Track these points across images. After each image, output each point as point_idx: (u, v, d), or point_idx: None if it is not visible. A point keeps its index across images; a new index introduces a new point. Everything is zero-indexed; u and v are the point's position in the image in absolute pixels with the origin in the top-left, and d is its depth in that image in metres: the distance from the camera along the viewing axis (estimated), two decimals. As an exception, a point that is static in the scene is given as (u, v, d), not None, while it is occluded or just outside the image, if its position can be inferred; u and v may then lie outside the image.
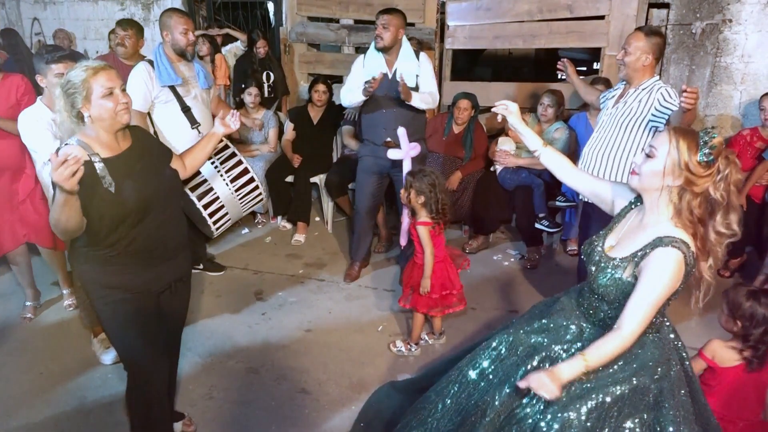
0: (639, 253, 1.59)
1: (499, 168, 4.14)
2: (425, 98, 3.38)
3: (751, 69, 4.11)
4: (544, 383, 1.48)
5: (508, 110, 2.00)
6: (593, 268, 1.72)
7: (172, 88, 3.20)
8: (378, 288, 3.68)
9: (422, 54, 3.52)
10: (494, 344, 1.84)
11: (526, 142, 2.01)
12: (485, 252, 4.21)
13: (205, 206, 3.03)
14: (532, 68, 8.88)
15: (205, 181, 3.03)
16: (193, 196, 2.99)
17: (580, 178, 1.95)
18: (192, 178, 2.84)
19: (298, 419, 2.52)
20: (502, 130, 4.33)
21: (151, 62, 3.17)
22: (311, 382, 2.75)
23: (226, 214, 3.13)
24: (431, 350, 3.02)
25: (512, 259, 4.11)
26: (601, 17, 4.41)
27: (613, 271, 1.64)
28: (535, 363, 1.72)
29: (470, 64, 8.54)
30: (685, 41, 4.22)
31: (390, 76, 3.38)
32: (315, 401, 2.63)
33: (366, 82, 3.25)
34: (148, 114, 3.21)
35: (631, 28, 4.04)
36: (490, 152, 4.22)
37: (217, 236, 3.34)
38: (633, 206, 1.76)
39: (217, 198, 3.06)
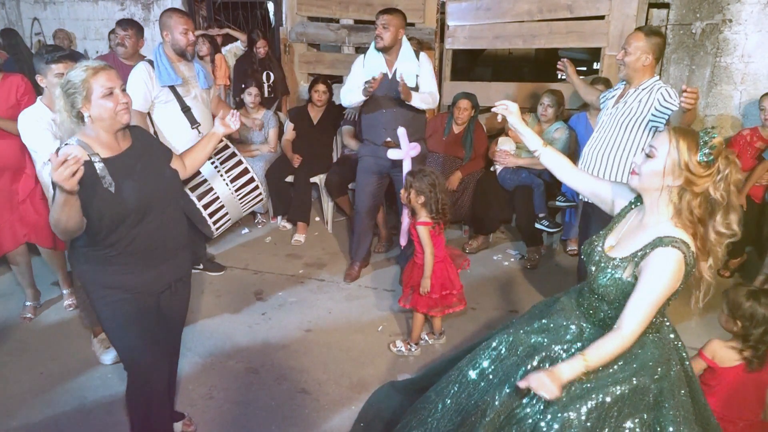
0: (639, 253, 1.59)
1: (499, 168, 4.14)
2: (425, 98, 3.38)
3: (751, 69, 4.11)
4: (544, 383, 1.48)
5: (508, 110, 2.00)
6: (593, 268, 1.72)
7: (172, 88, 3.19)
8: (378, 288, 3.68)
9: (422, 54, 3.52)
10: (494, 344, 1.84)
11: (526, 142, 2.01)
12: (485, 252, 4.21)
13: (205, 206, 3.03)
14: (532, 68, 8.88)
15: (205, 181, 3.03)
16: (193, 196, 2.99)
17: (580, 178, 1.95)
18: (192, 178, 2.84)
19: (298, 419, 2.52)
20: (502, 130, 4.33)
21: (151, 62, 3.17)
22: (311, 382, 2.75)
23: (226, 214, 3.13)
24: (431, 350, 3.02)
25: (512, 259, 4.11)
26: (601, 17, 4.41)
27: (613, 271, 1.64)
28: (535, 363, 1.72)
29: (470, 64, 8.55)
30: (685, 41, 4.22)
31: (390, 76, 3.38)
32: (315, 401, 2.63)
33: (366, 82, 3.26)
34: (148, 114, 3.21)
35: (631, 28, 4.04)
36: (490, 152, 4.22)
37: (217, 236, 3.34)
38: (633, 206, 1.76)
39: (217, 198, 3.06)
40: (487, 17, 4.69)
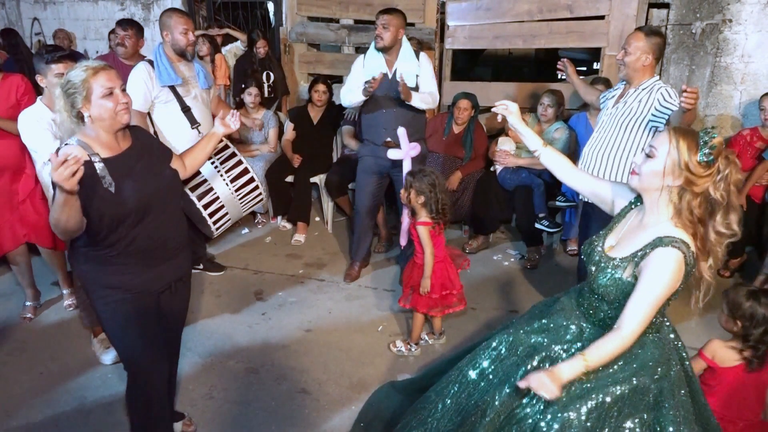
0: (639, 253, 1.59)
1: (499, 168, 4.14)
2: (425, 98, 3.38)
3: (751, 69, 4.11)
4: (544, 383, 1.48)
5: (508, 110, 2.00)
6: (593, 268, 1.72)
7: (172, 88, 3.20)
8: (378, 288, 3.68)
9: (422, 54, 3.52)
10: (494, 344, 1.84)
11: (526, 142, 2.01)
12: (485, 252, 4.21)
13: (205, 206, 3.03)
14: (532, 68, 8.90)
15: (205, 181, 3.03)
16: (193, 196, 2.99)
17: (580, 178, 1.95)
18: (192, 178, 2.84)
19: (298, 419, 2.52)
20: (502, 130, 4.33)
21: (151, 62, 3.17)
22: (311, 382, 2.75)
23: (226, 214, 3.13)
24: (431, 350, 3.02)
25: (512, 259, 4.11)
26: (601, 17, 4.41)
27: (613, 271, 1.64)
28: (535, 363, 1.72)
29: (470, 64, 8.56)
30: (685, 41, 4.22)
31: (390, 76, 3.38)
32: (315, 401, 2.63)
33: (366, 82, 3.26)
34: (148, 114, 3.21)
35: (631, 28, 4.04)
36: (490, 152, 4.22)
37: (217, 236, 3.34)
38: (633, 206, 1.76)
39: (217, 198, 3.06)
40: (487, 17, 4.69)
